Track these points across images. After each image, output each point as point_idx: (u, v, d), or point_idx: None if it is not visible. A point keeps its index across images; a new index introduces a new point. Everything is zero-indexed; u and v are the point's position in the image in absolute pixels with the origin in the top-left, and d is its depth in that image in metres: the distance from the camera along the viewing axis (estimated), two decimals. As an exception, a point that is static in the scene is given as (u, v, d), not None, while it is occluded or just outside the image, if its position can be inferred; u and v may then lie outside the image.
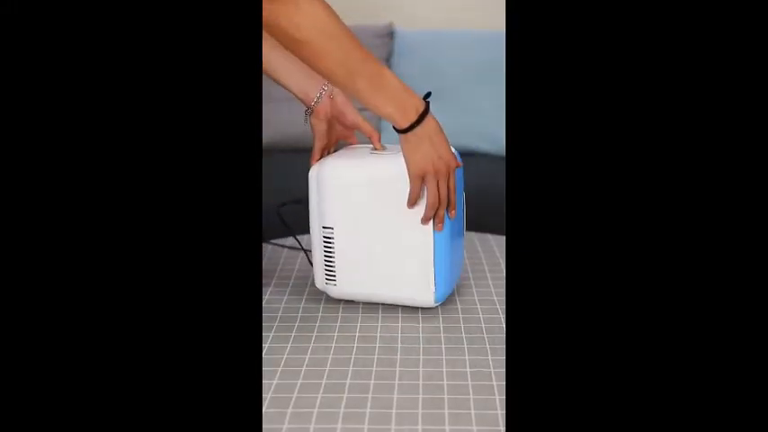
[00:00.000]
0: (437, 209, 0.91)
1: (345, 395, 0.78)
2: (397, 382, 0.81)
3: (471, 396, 0.78)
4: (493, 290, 1.05)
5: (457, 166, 0.92)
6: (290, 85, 1.00)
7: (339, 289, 0.99)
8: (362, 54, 0.86)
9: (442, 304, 0.99)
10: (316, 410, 0.75)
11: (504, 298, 1.02)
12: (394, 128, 0.89)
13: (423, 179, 0.90)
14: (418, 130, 0.88)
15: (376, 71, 0.86)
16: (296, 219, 1.23)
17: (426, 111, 0.89)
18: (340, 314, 0.98)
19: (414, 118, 0.87)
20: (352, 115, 1.01)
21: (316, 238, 0.98)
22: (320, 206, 0.96)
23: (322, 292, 1.04)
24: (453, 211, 0.93)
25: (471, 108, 2.11)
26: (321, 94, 1.00)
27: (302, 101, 1.01)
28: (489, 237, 1.28)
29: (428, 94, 0.92)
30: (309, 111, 1.01)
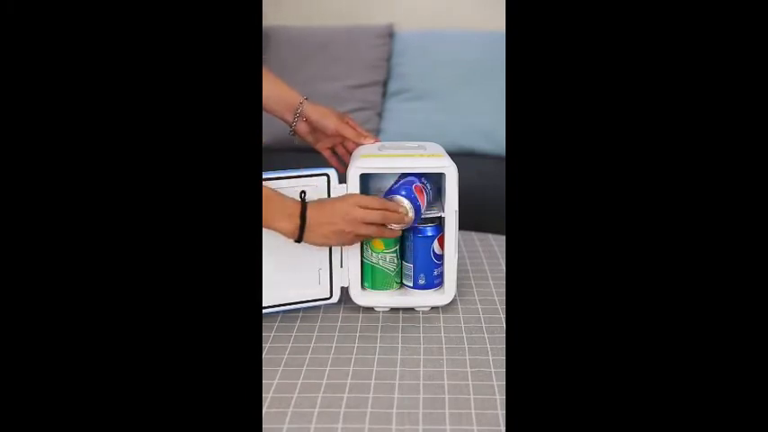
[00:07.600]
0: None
1: (346, 395, 0.78)
2: (397, 382, 0.81)
3: (471, 396, 0.78)
4: (493, 290, 1.05)
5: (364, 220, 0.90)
6: (267, 110, 1.06)
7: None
8: None
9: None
10: (316, 410, 0.75)
11: (504, 298, 1.02)
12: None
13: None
14: (306, 232, 0.88)
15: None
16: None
17: (304, 209, 0.88)
18: (341, 314, 0.98)
19: (298, 222, 0.88)
20: (331, 126, 1.05)
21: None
22: None
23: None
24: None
25: (471, 108, 2.11)
26: (296, 118, 1.06)
27: (285, 122, 1.07)
28: (489, 237, 1.28)
29: (302, 192, 0.92)
30: (292, 132, 1.08)
